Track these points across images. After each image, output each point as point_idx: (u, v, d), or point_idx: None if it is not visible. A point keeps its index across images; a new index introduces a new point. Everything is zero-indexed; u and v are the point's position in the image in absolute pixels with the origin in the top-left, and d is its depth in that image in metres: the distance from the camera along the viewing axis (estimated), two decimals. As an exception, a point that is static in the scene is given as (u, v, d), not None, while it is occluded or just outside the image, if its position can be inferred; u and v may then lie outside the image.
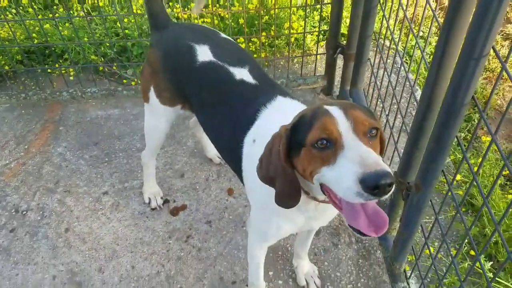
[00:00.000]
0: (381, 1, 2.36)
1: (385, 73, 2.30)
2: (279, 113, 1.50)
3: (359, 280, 2.14)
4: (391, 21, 2.53)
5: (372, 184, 0.97)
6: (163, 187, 2.56)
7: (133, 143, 2.84)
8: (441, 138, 1.37)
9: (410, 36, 3.20)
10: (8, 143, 2.87)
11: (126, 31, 3.25)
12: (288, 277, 2.16)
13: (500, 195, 2.34)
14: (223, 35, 1.90)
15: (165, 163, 2.71)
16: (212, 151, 2.66)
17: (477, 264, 1.77)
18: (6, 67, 3.19)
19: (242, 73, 1.68)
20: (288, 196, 1.24)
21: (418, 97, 1.53)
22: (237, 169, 1.67)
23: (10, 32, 3.08)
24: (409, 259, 2.13)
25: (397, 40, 2.20)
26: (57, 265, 2.23)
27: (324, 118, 1.10)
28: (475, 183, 1.36)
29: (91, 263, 2.24)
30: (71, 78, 3.26)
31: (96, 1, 3.35)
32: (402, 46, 3.31)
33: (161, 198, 2.49)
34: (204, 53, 1.74)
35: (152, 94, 1.94)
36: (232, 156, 1.67)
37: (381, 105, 2.39)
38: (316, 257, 2.23)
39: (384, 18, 2.26)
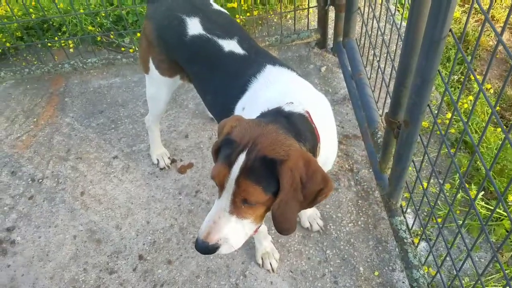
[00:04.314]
0: None
1: (374, 20, 2.36)
2: (268, 84, 1.58)
3: (359, 218, 2.28)
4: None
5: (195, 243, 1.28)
6: (169, 148, 2.68)
7: (136, 109, 2.95)
8: (424, 73, 1.46)
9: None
10: (17, 117, 2.98)
11: (120, -1, 3.29)
12: (293, 220, 2.30)
13: (491, 131, 2.45)
14: (215, 6, 1.93)
15: (169, 126, 2.82)
16: (213, 110, 2.76)
17: (470, 195, 1.88)
18: (8, 44, 3.27)
19: (230, 45, 1.72)
20: None
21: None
22: None
23: (8, 9, 3.14)
24: (405, 196, 2.27)
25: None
26: (77, 226, 2.39)
27: (220, 169, 1.22)
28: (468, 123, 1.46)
29: (108, 221, 2.39)
30: (71, 50, 3.33)
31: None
32: (393, -6, 3.34)
33: (169, 158, 2.62)
34: (194, 26, 1.78)
35: (151, 65, 2.01)
36: None
37: (372, 52, 2.46)
38: (318, 201, 2.36)
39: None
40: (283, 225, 1.25)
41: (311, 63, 3.14)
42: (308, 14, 3.18)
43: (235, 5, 3.21)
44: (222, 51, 1.71)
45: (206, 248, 1.26)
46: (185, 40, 1.78)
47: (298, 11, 3.36)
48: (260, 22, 3.44)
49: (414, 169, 2.09)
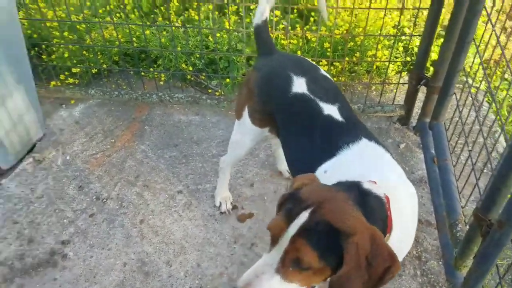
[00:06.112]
0: (475, 37, 2.35)
1: (469, 109, 2.27)
2: (359, 157, 1.55)
3: (422, 313, 2.09)
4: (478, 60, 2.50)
5: None
6: (233, 193, 2.65)
7: (209, 149, 2.98)
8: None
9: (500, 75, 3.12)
10: (96, 135, 3.11)
11: (217, 45, 3.43)
12: (349, 299, 2.15)
13: None
14: (323, 71, 1.97)
15: (237, 171, 2.82)
16: (283, 164, 2.73)
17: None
18: (104, 65, 3.47)
19: (331, 110, 1.73)
20: None
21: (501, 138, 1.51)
22: None
23: (114, 34, 3.36)
24: (478, 301, 2.06)
25: (482, 78, 2.17)
26: (129, 253, 2.37)
27: (279, 221, 1.18)
28: None
29: (160, 255, 2.36)
30: (161, 83, 3.49)
31: (191, 15, 3.57)
32: (493, 85, 3.23)
33: (231, 203, 2.59)
34: (299, 85, 1.82)
35: (245, 113, 2.05)
36: None
37: (463, 140, 2.35)
38: (379, 284, 2.21)
39: (477, 55, 2.24)
40: None
41: (390, 137, 3.06)
42: (396, 89, 3.14)
43: (325, 68, 3.25)
44: (321, 113, 1.72)
45: None
46: (287, 96, 1.82)
47: (386, 84, 3.34)
48: (344, 88, 3.44)
49: (497, 272, 1.90)
